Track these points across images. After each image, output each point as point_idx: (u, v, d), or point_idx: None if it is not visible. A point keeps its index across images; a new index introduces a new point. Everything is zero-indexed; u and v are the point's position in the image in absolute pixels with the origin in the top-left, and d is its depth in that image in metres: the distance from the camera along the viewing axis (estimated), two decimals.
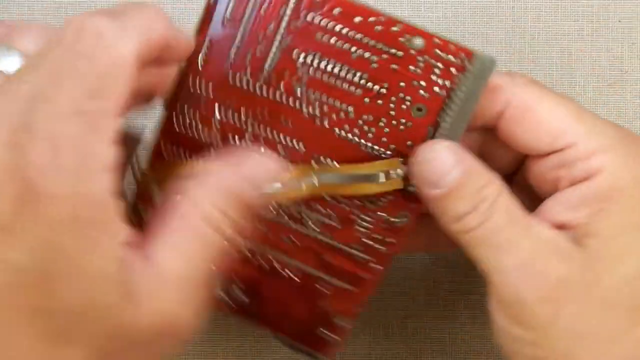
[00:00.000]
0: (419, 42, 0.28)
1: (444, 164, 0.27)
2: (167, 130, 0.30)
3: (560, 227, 0.27)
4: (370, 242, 0.30)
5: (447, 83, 0.28)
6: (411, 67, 0.28)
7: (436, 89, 0.28)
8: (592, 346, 0.27)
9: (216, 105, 0.29)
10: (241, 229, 0.26)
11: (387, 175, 0.29)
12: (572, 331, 0.26)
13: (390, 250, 0.30)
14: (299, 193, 0.29)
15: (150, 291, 0.24)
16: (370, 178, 0.29)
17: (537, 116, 0.27)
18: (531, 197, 0.29)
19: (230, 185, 0.26)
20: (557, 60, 0.36)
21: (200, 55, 0.29)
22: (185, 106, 0.29)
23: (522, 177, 0.29)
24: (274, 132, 0.29)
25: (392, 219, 0.30)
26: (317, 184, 0.29)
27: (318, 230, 0.30)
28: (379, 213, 0.30)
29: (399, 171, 0.29)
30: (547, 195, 0.28)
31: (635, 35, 0.36)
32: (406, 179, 0.29)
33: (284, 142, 0.29)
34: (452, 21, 0.36)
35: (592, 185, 0.27)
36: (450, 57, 0.28)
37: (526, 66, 0.36)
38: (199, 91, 0.29)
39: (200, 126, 0.29)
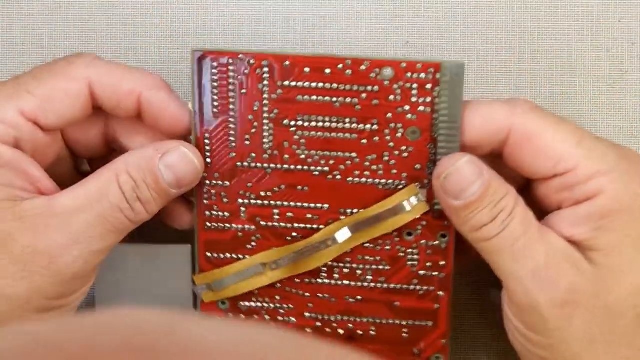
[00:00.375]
0: (388, 72, 0.29)
1: (467, 177, 0.28)
2: (203, 237, 0.31)
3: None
4: (425, 272, 0.31)
5: (428, 99, 0.29)
6: (391, 97, 0.29)
7: (420, 108, 0.29)
8: (600, 351, 0.28)
9: (236, 193, 0.31)
10: (146, 200, 0.29)
11: (411, 202, 0.30)
12: (581, 336, 0.28)
13: (445, 272, 0.31)
14: (340, 249, 0.30)
15: (38, 221, 0.28)
16: (397, 210, 0.30)
17: (538, 143, 0.28)
18: (536, 217, 0.29)
19: (148, 161, 0.29)
20: (557, 60, 0.36)
21: (205, 151, 0.30)
22: (212, 207, 0.31)
23: (527, 197, 0.29)
24: (297, 203, 0.30)
25: (435, 243, 0.31)
26: (351, 234, 0.30)
27: (371, 278, 0.31)
28: (421, 242, 0.31)
29: (420, 196, 0.30)
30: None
31: (635, 35, 0.36)
32: (429, 200, 0.30)
33: (308, 208, 0.30)
34: (452, 21, 0.36)
35: (593, 205, 0.28)
36: (421, 75, 0.29)
37: (526, 66, 0.36)
38: (215, 184, 0.30)
39: (230, 218, 0.31)
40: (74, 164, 0.33)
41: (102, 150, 0.32)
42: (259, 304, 0.31)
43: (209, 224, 0.31)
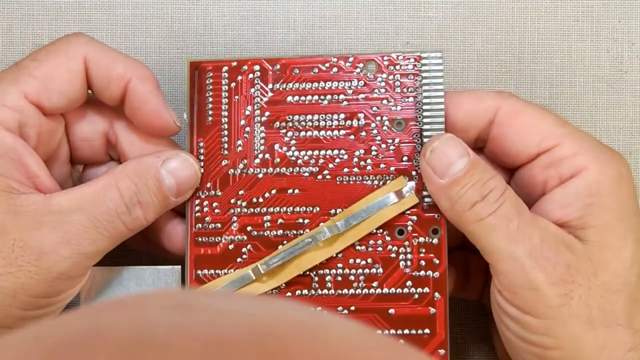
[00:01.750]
0: (372, 66, 0.30)
1: (452, 153, 0.28)
2: (194, 253, 0.31)
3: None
4: (419, 273, 0.30)
5: (411, 90, 0.30)
6: (376, 91, 0.30)
7: (404, 100, 0.30)
8: (599, 331, 0.27)
9: (227, 202, 0.31)
10: (146, 204, 0.29)
11: (399, 194, 0.30)
12: (580, 315, 0.27)
13: (439, 271, 0.30)
14: (331, 250, 0.30)
15: (32, 218, 0.28)
16: (384, 202, 0.30)
17: (524, 120, 0.29)
18: None
19: (151, 166, 0.29)
20: (557, 60, 0.36)
21: (199, 160, 0.31)
22: (203, 219, 0.31)
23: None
24: (288, 208, 0.31)
25: (427, 239, 0.30)
26: (340, 230, 0.30)
27: (364, 284, 0.31)
28: (413, 240, 0.30)
29: (408, 187, 0.30)
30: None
31: (635, 35, 0.36)
32: (418, 192, 0.30)
33: (300, 212, 0.31)
34: (452, 21, 0.36)
35: (580, 182, 0.28)
36: (403, 67, 0.30)
37: (526, 66, 0.36)
38: (207, 194, 0.31)
39: (222, 230, 0.31)
40: (70, 171, 0.32)
41: (102, 154, 0.32)
42: None
43: (199, 239, 0.31)
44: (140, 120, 0.30)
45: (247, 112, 0.30)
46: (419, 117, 0.30)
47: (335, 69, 0.30)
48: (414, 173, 0.30)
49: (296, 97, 0.31)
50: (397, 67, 0.30)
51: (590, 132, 0.35)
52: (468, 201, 0.28)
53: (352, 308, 0.31)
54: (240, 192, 0.31)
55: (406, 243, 0.30)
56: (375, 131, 0.30)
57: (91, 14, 0.35)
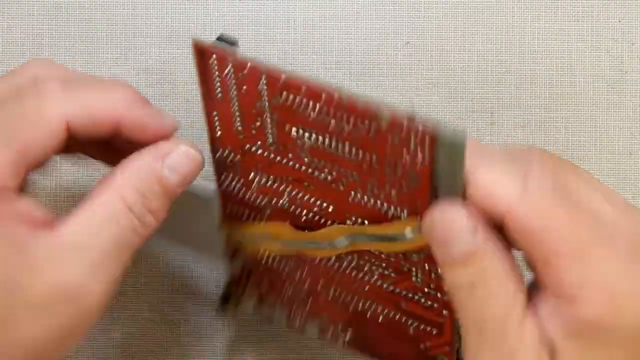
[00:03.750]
0: (386, 114, 0.26)
1: (460, 231, 0.26)
2: (223, 193, 0.31)
3: None
4: (428, 291, 0.30)
5: (427, 157, 0.26)
6: (389, 140, 0.26)
7: (419, 158, 0.26)
8: None
9: (248, 170, 0.30)
10: (156, 210, 0.28)
11: (413, 231, 0.28)
12: None
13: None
14: (337, 251, 0.30)
15: (49, 259, 0.26)
16: (397, 237, 0.28)
17: (534, 240, 0.25)
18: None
19: (152, 169, 0.28)
20: (557, 60, 0.36)
21: (216, 127, 0.29)
22: (227, 171, 0.30)
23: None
24: (304, 194, 0.30)
25: (439, 271, 0.29)
26: (347, 244, 0.29)
27: (377, 277, 0.30)
28: (425, 265, 0.29)
29: (419, 228, 0.28)
30: None
31: (635, 35, 0.36)
32: None
33: (315, 203, 0.30)
34: (452, 21, 0.36)
35: (573, 310, 0.25)
36: (419, 133, 0.25)
37: (526, 66, 0.36)
38: (229, 159, 0.30)
39: (244, 189, 0.30)
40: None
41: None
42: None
43: (227, 188, 0.30)
44: (147, 141, 0.29)
45: (258, 106, 0.28)
46: (435, 179, 0.26)
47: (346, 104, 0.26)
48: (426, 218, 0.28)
49: (306, 112, 0.27)
50: (413, 133, 0.25)
51: (590, 132, 0.36)
52: (456, 283, 0.26)
53: (366, 288, 0.31)
54: (259, 168, 0.29)
55: (418, 265, 0.29)
56: (387, 169, 0.27)
57: (91, 14, 0.36)
